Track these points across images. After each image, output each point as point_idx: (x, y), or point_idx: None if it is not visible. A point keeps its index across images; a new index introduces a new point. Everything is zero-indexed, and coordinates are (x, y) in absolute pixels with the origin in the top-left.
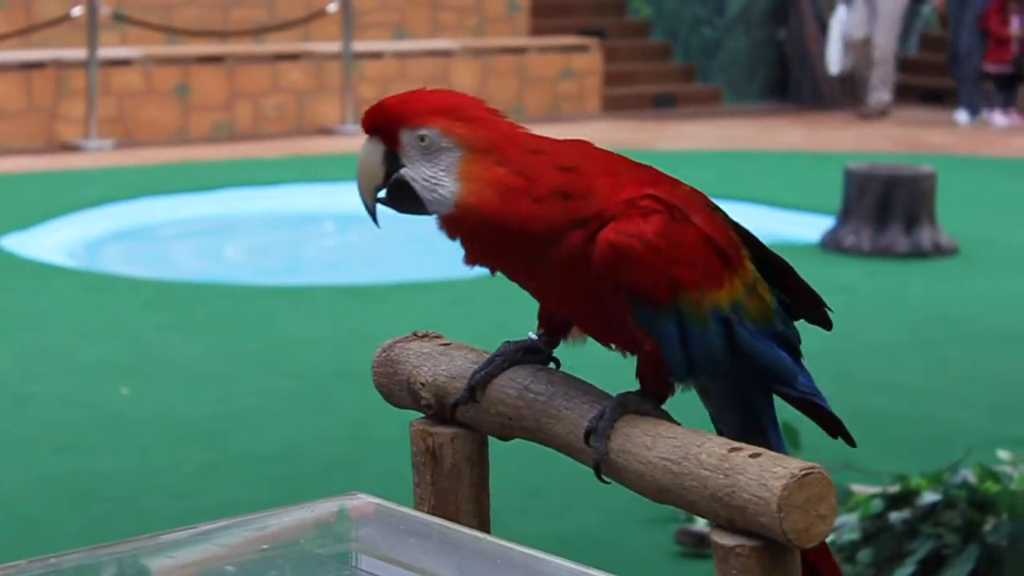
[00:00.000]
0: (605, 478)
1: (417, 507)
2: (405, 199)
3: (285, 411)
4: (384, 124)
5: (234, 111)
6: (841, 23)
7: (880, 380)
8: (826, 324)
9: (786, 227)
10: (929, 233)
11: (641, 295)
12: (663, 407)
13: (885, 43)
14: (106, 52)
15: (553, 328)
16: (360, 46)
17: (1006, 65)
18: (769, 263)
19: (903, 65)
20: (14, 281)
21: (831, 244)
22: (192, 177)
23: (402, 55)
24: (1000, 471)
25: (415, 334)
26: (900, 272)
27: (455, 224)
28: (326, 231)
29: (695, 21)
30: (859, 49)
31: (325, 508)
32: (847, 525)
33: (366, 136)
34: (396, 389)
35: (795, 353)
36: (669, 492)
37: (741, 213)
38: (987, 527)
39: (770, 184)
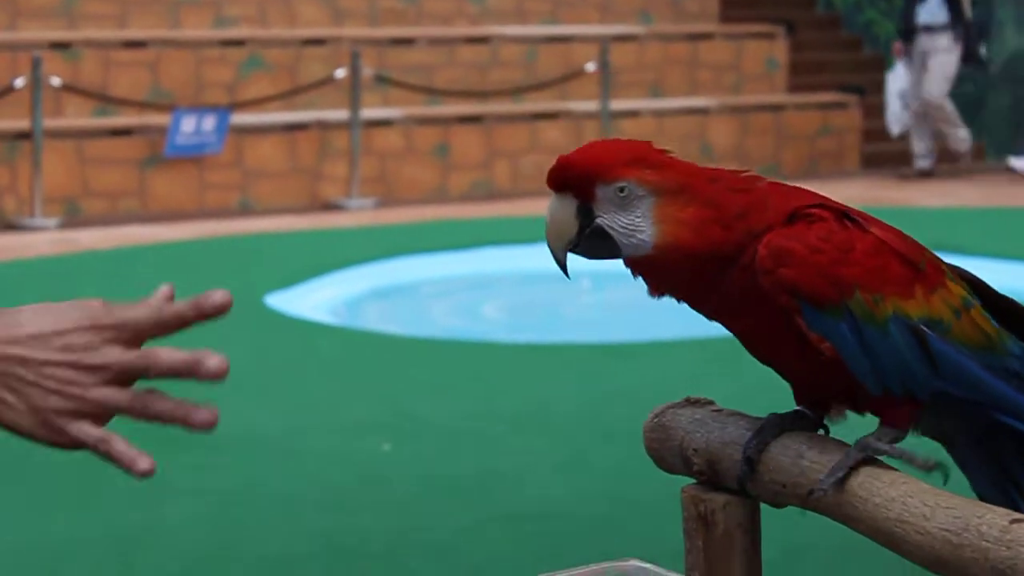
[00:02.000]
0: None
1: (688, 573)
2: (598, 247)
3: (543, 470)
4: (579, 181)
5: (492, 170)
6: (900, 79)
7: None
8: None
9: None
10: None
11: (806, 294)
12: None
13: (935, 102)
14: (368, 113)
15: (812, 405)
16: (618, 105)
17: None
18: (1012, 314)
19: None
20: (279, 339)
21: None
22: (451, 235)
23: (659, 113)
24: None
25: (687, 400)
26: None
27: (652, 264)
28: (582, 288)
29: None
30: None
31: (601, 570)
32: None
33: (554, 193)
34: (668, 455)
35: None
36: (948, 564)
37: (1004, 271)
38: None
39: None
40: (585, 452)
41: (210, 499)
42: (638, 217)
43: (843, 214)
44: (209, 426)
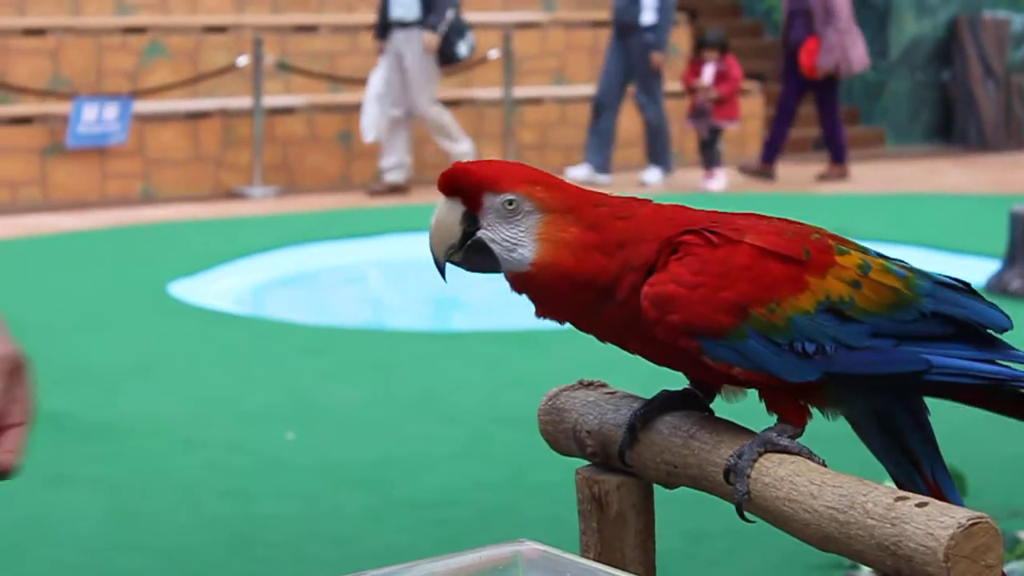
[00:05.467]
0: (748, 516)
1: (583, 554)
2: (477, 259)
3: (446, 457)
4: (469, 187)
5: None
6: (380, 82)
7: None
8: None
9: (951, 271)
10: None
11: (701, 331)
12: (803, 442)
13: (424, 114)
14: (271, 101)
15: (702, 384)
16: (521, 92)
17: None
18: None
19: None
20: (181, 327)
21: (997, 288)
22: (354, 224)
23: (562, 100)
24: None
25: (580, 383)
26: None
27: (528, 281)
28: (485, 277)
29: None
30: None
31: (493, 554)
32: (1015, 572)
33: (444, 196)
34: (562, 437)
35: (968, 330)
36: (835, 541)
37: (906, 257)
38: None
39: (935, 228)
40: (486, 439)
41: (109, 488)
42: (521, 232)
43: (712, 232)
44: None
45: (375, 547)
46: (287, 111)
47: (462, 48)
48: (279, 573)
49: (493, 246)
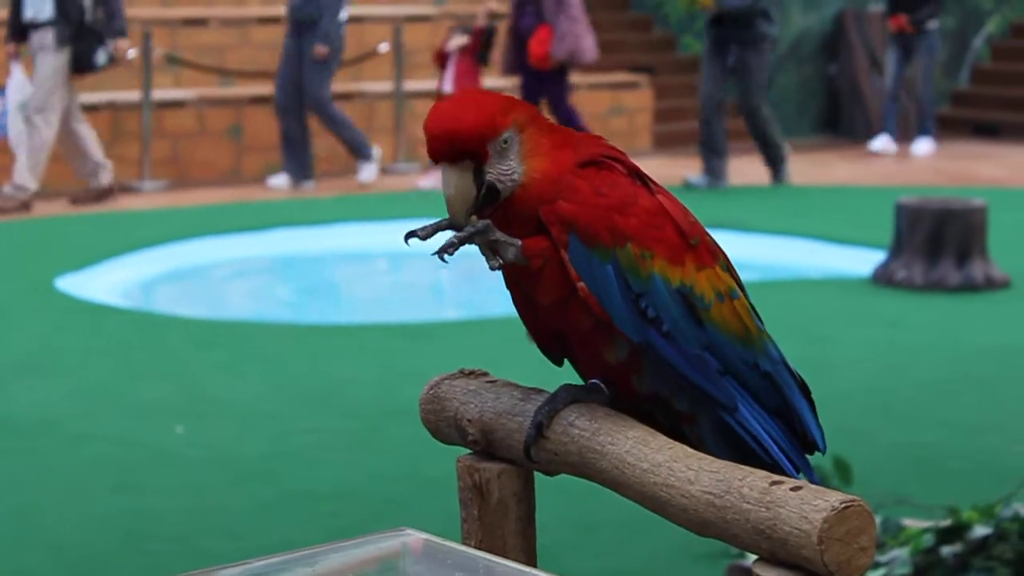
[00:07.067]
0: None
1: (465, 542)
2: (487, 204)
3: (338, 450)
4: (475, 147)
5: None
6: (20, 88)
7: (931, 414)
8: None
9: (838, 261)
10: (981, 267)
11: (579, 229)
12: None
13: (43, 123)
14: (160, 94)
15: (604, 380)
16: (411, 85)
17: None
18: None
19: (954, 98)
20: (69, 322)
21: (883, 278)
22: (245, 217)
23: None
24: None
25: (462, 371)
26: (952, 306)
27: (518, 200)
28: (379, 270)
29: None
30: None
31: (376, 544)
32: (899, 560)
33: (448, 165)
34: (443, 426)
35: (777, 414)
36: (713, 526)
37: (793, 248)
38: None
39: (821, 218)
40: (379, 432)
41: None
42: (512, 160)
43: (636, 173)
44: None
45: (267, 540)
46: (176, 105)
47: (100, 56)
48: (171, 567)
49: (499, 185)
